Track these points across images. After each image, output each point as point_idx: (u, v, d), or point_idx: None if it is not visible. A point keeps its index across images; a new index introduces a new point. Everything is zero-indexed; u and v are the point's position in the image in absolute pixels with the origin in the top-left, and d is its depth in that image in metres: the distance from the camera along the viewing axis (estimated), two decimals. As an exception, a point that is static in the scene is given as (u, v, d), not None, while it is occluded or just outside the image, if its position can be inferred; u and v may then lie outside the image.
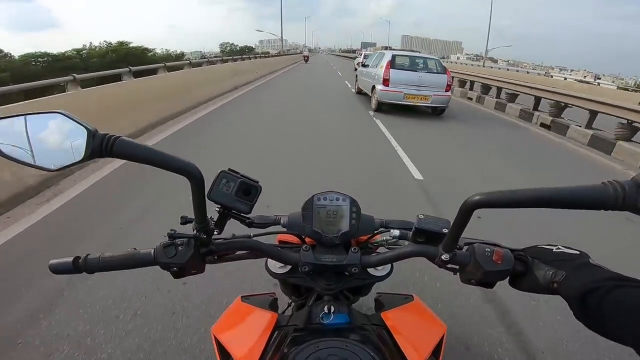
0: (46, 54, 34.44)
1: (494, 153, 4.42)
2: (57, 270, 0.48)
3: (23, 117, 0.42)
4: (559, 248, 0.44)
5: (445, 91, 6.22)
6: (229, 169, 0.49)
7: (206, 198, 0.45)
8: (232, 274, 1.70)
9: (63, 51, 37.06)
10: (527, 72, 23.04)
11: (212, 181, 0.47)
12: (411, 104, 6.17)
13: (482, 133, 5.56)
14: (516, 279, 0.46)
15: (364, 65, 7.92)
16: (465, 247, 0.48)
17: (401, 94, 6.08)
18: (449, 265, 0.47)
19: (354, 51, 53.56)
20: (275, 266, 0.56)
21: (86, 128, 0.40)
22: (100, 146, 0.40)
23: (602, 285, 0.36)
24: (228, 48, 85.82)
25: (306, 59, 29.40)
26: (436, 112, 6.57)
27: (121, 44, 38.59)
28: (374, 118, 5.92)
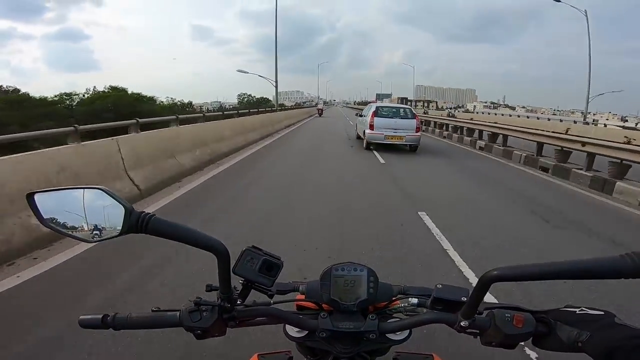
0: (25, 98, 29.87)
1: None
2: (86, 325, 0.52)
3: (65, 190, 0.48)
4: (582, 310, 0.45)
5: (416, 132, 8.44)
6: (253, 246, 0.53)
7: (231, 272, 0.49)
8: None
9: (50, 95, 33.00)
10: (548, 119, 22.97)
11: (237, 257, 0.52)
12: (390, 142, 8.32)
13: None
14: (539, 339, 0.47)
15: (360, 116, 10.42)
16: (485, 312, 0.50)
17: (382, 135, 8.32)
18: (469, 330, 0.49)
19: (366, 103, 55.96)
20: (293, 330, 0.58)
21: (124, 206, 0.44)
22: (137, 223, 0.44)
23: (628, 344, 0.38)
24: (245, 99, 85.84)
25: (320, 112, 28.98)
26: (411, 149, 8.73)
27: (115, 89, 34.73)
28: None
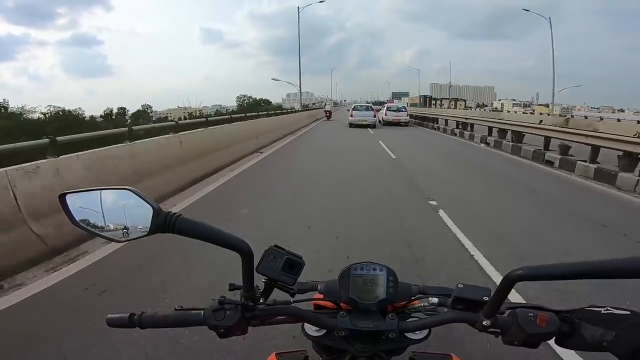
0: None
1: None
2: (113, 323, 0.57)
3: (95, 191, 0.53)
4: (607, 309, 0.48)
5: (406, 115, 21.26)
6: (276, 246, 0.59)
7: (255, 271, 0.55)
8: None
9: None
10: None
11: (261, 257, 0.57)
12: (394, 121, 20.73)
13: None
14: (562, 339, 0.50)
15: (386, 110, 22.20)
16: (507, 312, 0.53)
17: (390, 117, 20.96)
18: (491, 330, 0.53)
19: (381, 103, 55.45)
20: (312, 329, 0.63)
21: (152, 206, 0.49)
22: (164, 223, 0.49)
23: None
24: (245, 101, 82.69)
25: (328, 115, 25.93)
26: (402, 125, 20.56)
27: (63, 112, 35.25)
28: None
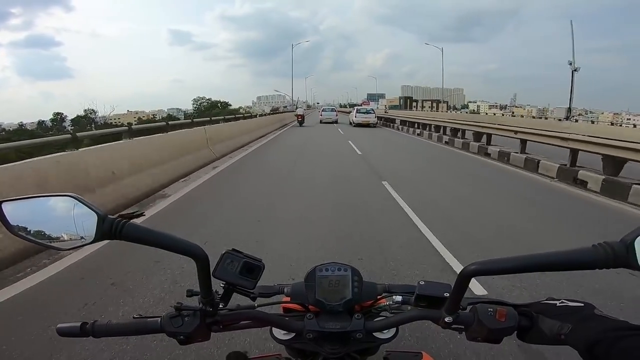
0: None
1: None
2: (64, 333, 0.57)
3: (35, 198, 0.53)
4: (562, 302, 0.53)
5: (374, 117, 24.24)
6: (233, 249, 0.60)
7: (212, 276, 0.56)
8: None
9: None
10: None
11: (217, 261, 0.59)
12: (363, 122, 23.42)
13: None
14: (523, 333, 0.55)
15: (356, 112, 25.10)
16: (469, 307, 0.57)
17: (359, 120, 23.63)
18: (453, 326, 0.56)
19: (353, 105, 56.33)
20: (280, 333, 0.65)
21: (96, 212, 0.50)
22: (110, 229, 0.50)
23: (608, 336, 0.44)
24: (203, 103, 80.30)
25: (300, 119, 24.08)
26: (371, 126, 23.39)
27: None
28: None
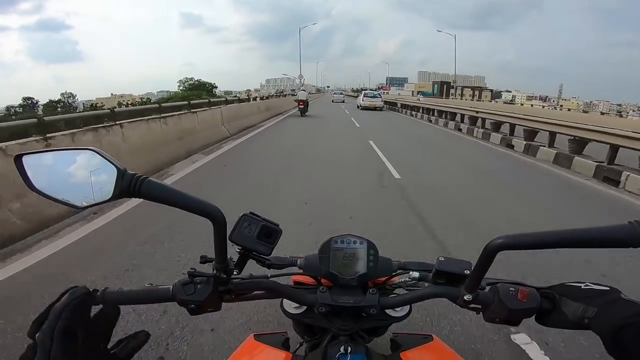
0: None
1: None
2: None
3: (54, 152, 0.56)
4: (587, 285, 0.56)
5: (380, 101, 28.65)
6: (251, 213, 0.65)
7: (228, 240, 0.60)
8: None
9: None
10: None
11: (234, 224, 0.63)
12: (369, 105, 27.45)
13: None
14: (543, 316, 0.58)
15: (363, 96, 29.75)
16: (488, 287, 0.61)
17: (366, 103, 27.75)
18: (472, 305, 0.60)
19: (364, 90, 55.61)
20: (291, 306, 0.70)
21: (116, 167, 0.53)
22: (129, 186, 0.52)
23: (636, 321, 0.46)
24: (189, 84, 78.17)
25: (303, 107, 19.45)
26: (377, 109, 27.54)
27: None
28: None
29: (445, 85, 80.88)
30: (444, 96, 58.48)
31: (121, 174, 0.53)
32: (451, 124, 15.85)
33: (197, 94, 57.17)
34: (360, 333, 0.71)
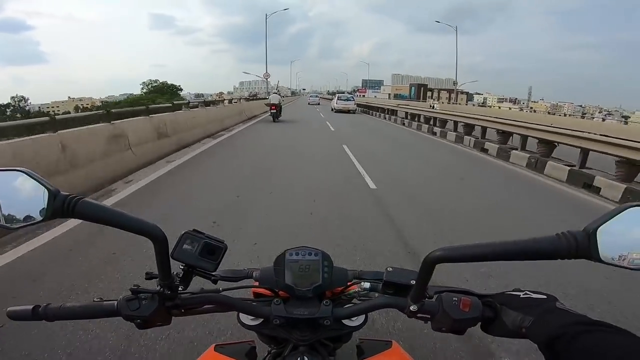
0: None
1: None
2: (15, 317, 0.61)
3: None
4: (526, 294, 0.58)
5: (354, 104, 29.59)
6: (194, 230, 0.65)
7: (170, 257, 0.60)
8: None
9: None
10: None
11: (176, 242, 0.63)
12: (343, 108, 28.30)
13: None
14: (487, 325, 0.60)
15: (337, 99, 30.72)
16: (435, 296, 0.63)
17: (340, 106, 28.74)
18: (419, 315, 0.62)
19: (341, 92, 55.80)
20: (247, 318, 0.70)
21: (47, 188, 0.53)
22: (62, 207, 0.52)
23: (568, 331, 0.48)
24: (153, 87, 76.91)
25: (275, 111, 17.43)
26: (351, 112, 28.14)
27: None
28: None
29: (422, 88, 79.25)
30: (420, 99, 57.58)
31: (53, 195, 0.53)
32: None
33: (152, 97, 55.26)
34: (323, 342, 0.72)
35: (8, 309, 0.61)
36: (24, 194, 0.54)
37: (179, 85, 79.31)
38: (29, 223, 0.55)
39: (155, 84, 77.59)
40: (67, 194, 0.54)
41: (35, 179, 0.54)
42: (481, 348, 2.14)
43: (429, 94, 75.72)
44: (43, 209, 0.54)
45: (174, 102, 11.21)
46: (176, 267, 0.64)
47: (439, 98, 69.14)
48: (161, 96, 58.00)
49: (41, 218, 0.54)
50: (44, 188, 0.53)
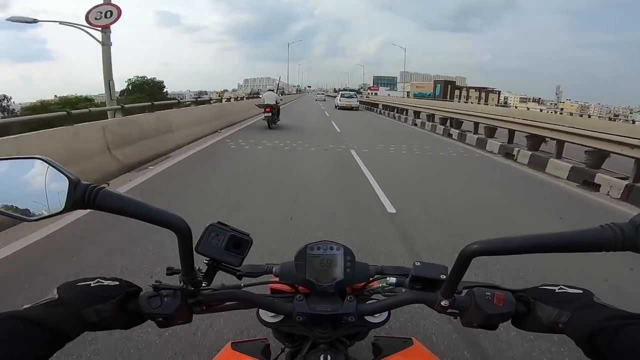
0: None
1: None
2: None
3: (1, 162, 0.54)
4: (561, 288, 0.60)
5: (356, 101, 32.67)
6: (218, 222, 0.66)
7: (194, 251, 0.60)
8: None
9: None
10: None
11: (201, 235, 0.64)
12: (346, 105, 30.97)
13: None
14: (519, 320, 0.62)
15: (340, 96, 34.18)
16: (465, 292, 0.64)
17: (343, 103, 31.43)
18: (449, 310, 0.63)
19: (349, 90, 55.28)
20: (267, 315, 0.71)
21: (68, 177, 0.52)
22: (83, 197, 0.52)
23: (609, 325, 0.50)
24: (137, 82, 72.94)
25: (270, 115, 13.96)
26: (354, 109, 31.17)
27: None
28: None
29: (449, 86, 72.03)
30: (445, 98, 54.07)
31: (74, 184, 0.53)
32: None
33: (138, 97, 52.09)
34: (340, 339, 0.73)
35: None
36: (42, 183, 0.54)
37: (162, 82, 75.22)
38: (46, 215, 0.54)
39: (139, 81, 74.02)
40: (88, 183, 0.53)
41: (55, 167, 0.54)
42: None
43: (456, 92, 71.39)
44: (63, 199, 0.53)
45: (91, 109, 8.35)
46: (199, 263, 0.64)
47: (467, 97, 65.63)
48: (139, 94, 55.36)
49: (61, 209, 0.53)
50: (64, 176, 0.53)
